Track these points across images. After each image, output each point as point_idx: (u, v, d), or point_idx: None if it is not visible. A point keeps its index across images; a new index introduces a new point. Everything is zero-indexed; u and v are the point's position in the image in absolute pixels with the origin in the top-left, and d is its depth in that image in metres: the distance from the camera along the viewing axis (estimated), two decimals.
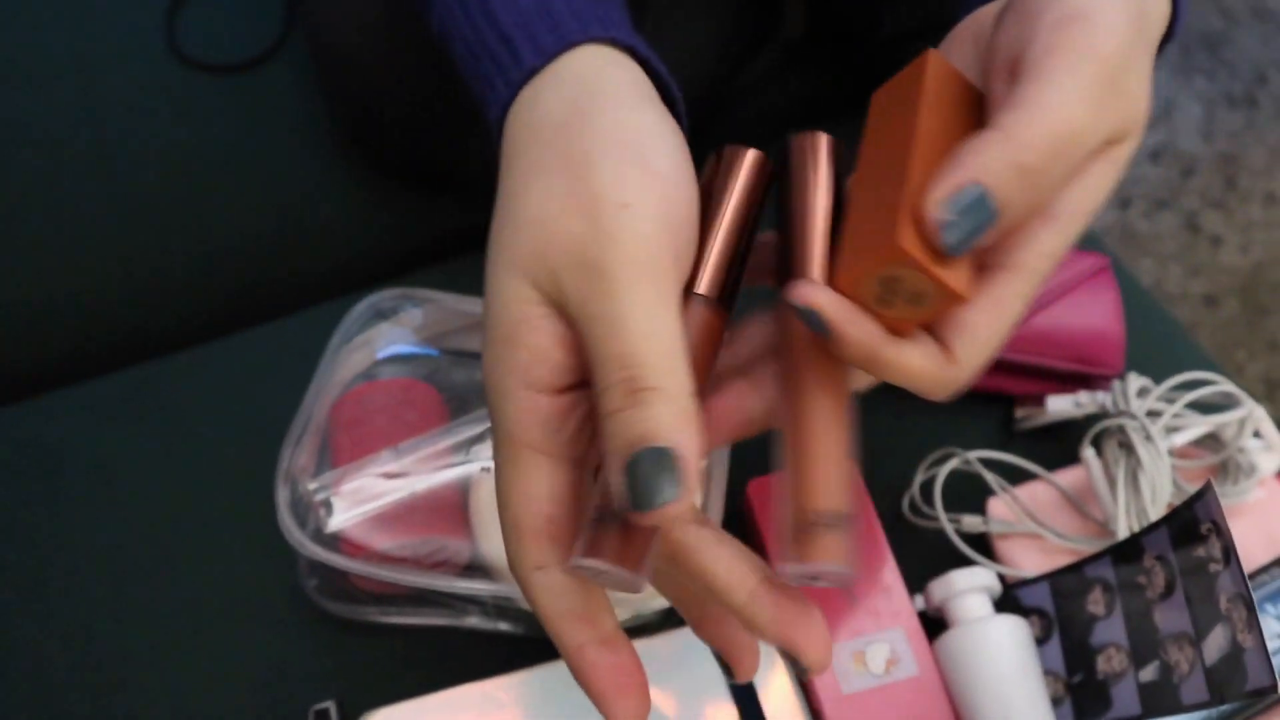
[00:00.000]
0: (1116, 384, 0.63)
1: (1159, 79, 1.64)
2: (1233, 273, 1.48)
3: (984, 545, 0.64)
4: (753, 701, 0.56)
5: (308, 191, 0.77)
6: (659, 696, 0.56)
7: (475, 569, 0.57)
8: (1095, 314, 0.66)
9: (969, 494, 0.65)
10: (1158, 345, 0.71)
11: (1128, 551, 0.55)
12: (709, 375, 0.38)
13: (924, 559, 0.63)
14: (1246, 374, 1.42)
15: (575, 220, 0.36)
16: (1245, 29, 1.68)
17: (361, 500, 0.57)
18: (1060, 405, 0.65)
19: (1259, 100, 1.62)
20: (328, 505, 0.57)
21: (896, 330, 0.35)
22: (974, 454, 0.64)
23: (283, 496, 0.57)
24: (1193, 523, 0.51)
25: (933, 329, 0.36)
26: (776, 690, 0.57)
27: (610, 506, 0.35)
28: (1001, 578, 0.62)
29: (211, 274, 0.76)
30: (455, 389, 0.63)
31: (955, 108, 0.36)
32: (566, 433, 0.36)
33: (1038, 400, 0.66)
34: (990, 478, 0.63)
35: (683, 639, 0.57)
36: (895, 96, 0.37)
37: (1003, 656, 0.56)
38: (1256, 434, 0.65)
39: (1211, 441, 0.64)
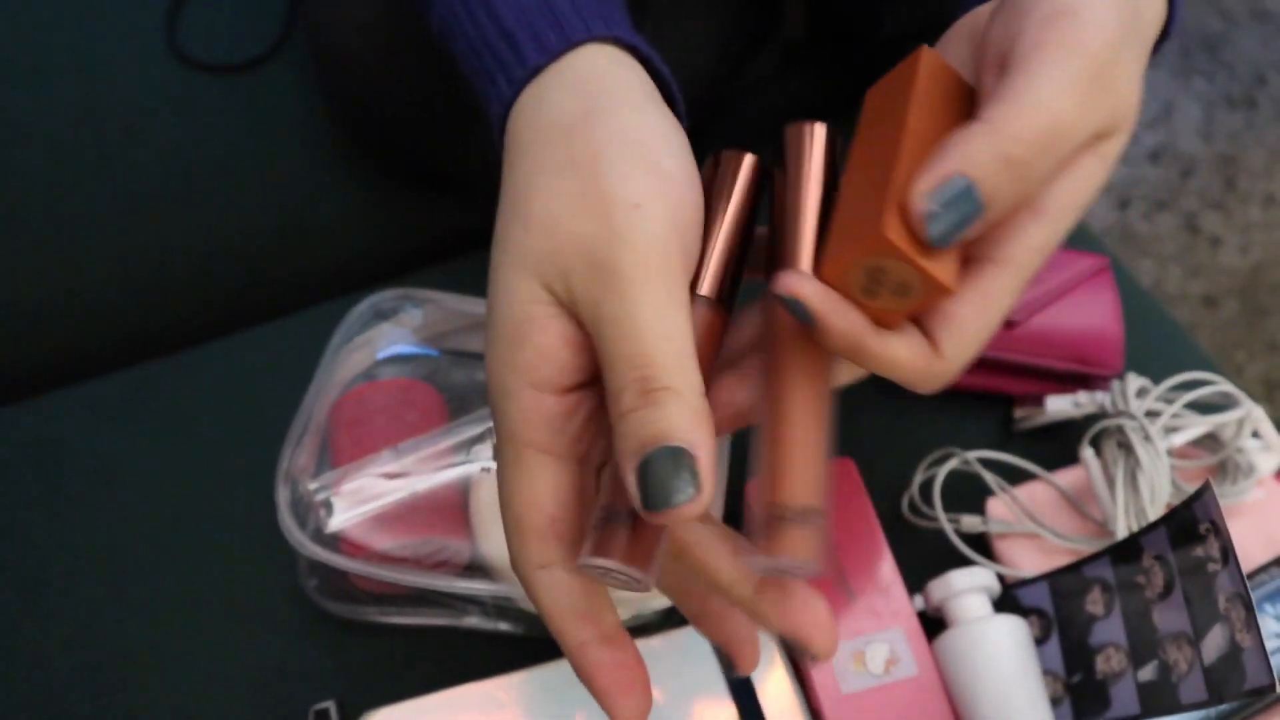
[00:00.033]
0: (1115, 384, 0.64)
1: (1159, 80, 1.64)
2: (1232, 273, 1.48)
3: (983, 545, 0.64)
4: (752, 701, 0.56)
5: (308, 191, 0.77)
6: (659, 696, 0.56)
7: (475, 569, 0.57)
8: (1094, 314, 0.66)
9: (968, 494, 0.65)
10: (1157, 346, 0.71)
11: (1126, 551, 0.55)
12: (709, 375, 0.38)
13: (923, 559, 0.63)
14: (1246, 375, 1.42)
15: (587, 221, 0.36)
16: (1244, 30, 1.68)
17: (361, 500, 0.57)
18: (1059, 405, 0.65)
19: (1258, 101, 1.62)
20: (328, 505, 0.57)
21: (884, 322, 0.35)
22: (973, 454, 0.64)
23: (283, 496, 0.57)
24: (1191, 523, 0.51)
25: (920, 322, 0.36)
26: (775, 690, 0.57)
27: (617, 506, 0.35)
28: (1001, 578, 0.62)
29: (212, 274, 0.76)
30: (455, 389, 0.63)
31: (947, 103, 0.36)
32: (570, 432, 0.37)
33: (1037, 400, 0.66)
34: (989, 478, 0.64)
35: (682, 639, 0.57)
36: (888, 93, 0.38)
37: (1002, 656, 0.56)
38: (1255, 434, 0.66)
39: (1210, 442, 0.64)
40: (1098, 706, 0.54)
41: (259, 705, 0.60)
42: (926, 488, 0.65)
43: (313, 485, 0.58)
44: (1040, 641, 0.58)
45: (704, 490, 0.33)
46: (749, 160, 0.40)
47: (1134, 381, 0.63)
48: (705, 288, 0.38)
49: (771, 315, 0.37)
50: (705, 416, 0.34)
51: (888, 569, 0.60)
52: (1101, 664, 0.55)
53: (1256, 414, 0.63)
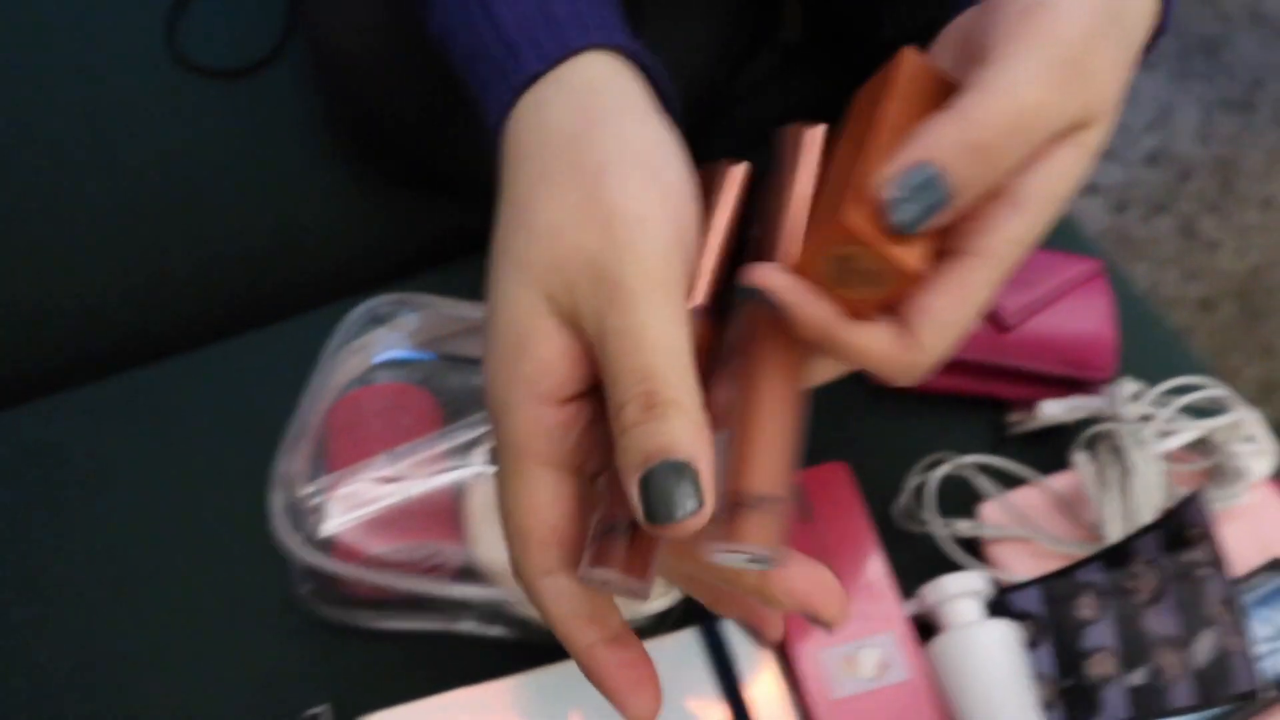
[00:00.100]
0: (1109, 389, 0.64)
1: (1157, 83, 1.64)
2: (1229, 277, 1.48)
3: (976, 549, 0.64)
4: (743, 706, 0.56)
5: (306, 195, 0.77)
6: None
7: (469, 574, 0.57)
8: (1088, 319, 0.67)
9: (961, 498, 0.65)
10: (1151, 350, 0.71)
11: (1118, 556, 0.55)
12: (702, 384, 0.38)
13: (916, 563, 0.63)
14: (1242, 378, 1.42)
15: (591, 233, 0.36)
16: (1243, 34, 1.68)
17: (356, 505, 0.57)
18: (1053, 410, 0.65)
19: (1256, 104, 1.63)
20: (321, 510, 0.57)
21: (859, 314, 0.36)
22: (966, 458, 0.64)
23: (277, 501, 0.57)
24: (1182, 528, 0.52)
25: (897, 313, 0.36)
26: (767, 695, 0.57)
27: (615, 517, 0.35)
28: (993, 582, 0.62)
29: (209, 278, 0.76)
30: (450, 394, 0.63)
31: (926, 100, 0.37)
32: (569, 443, 0.37)
33: (1030, 405, 0.66)
34: (983, 482, 0.64)
35: (675, 644, 0.57)
36: (870, 93, 0.38)
37: (993, 661, 0.56)
38: (1249, 438, 0.66)
39: (1203, 446, 0.64)
40: (1089, 711, 0.54)
41: (253, 710, 0.60)
42: (920, 492, 0.65)
43: (307, 490, 0.58)
44: (1032, 646, 0.58)
45: (706, 503, 0.33)
46: (739, 169, 0.40)
47: (1127, 386, 0.63)
48: (698, 298, 0.38)
49: (744, 309, 0.38)
50: (706, 430, 0.34)
51: (880, 573, 0.60)
52: (1093, 668, 0.55)
53: (1249, 418, 0.63)
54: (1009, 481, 0.66)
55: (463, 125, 0.71)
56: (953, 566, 0.63)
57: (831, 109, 0.85)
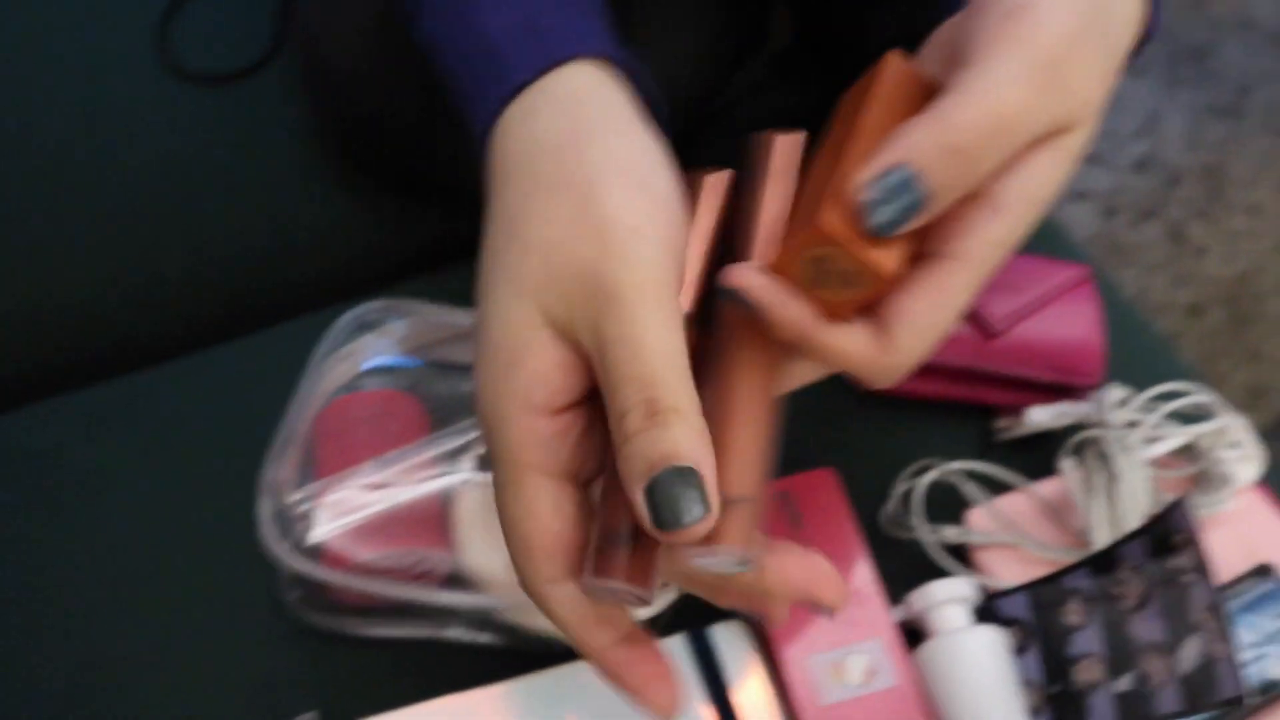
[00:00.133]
0: (1096, 395, 0.64)
1: (1145, 90, 1.65)
2: (1217, 282, 1.49)
3: (963, 556, 0.64)
4: (732, 713, 0.57)
5: (295, 202, 0.77)
6: (638, 712, 0.56)
7: (457, 580, 0.57)
8: (1076, 325, 0.67)
9: (949, 504, 0.65)
10: (1139, 356, 0.72)
11: (1104, 562, 0.56)
12: None
13: (903, 569, 0.63)
14: (1231, 383, 1.42)
15: (586, 245, 0.36)
16: (1230, 41, 1.69)
17: (344, 512, 0.57)
18: (1040, 416, 0.65)
19: (1243, 111, 1.63)
20: (309, 517, 0.57)
21: (836, 315, 0.36)
22: (954, 465, 0.64)
23: (265, 508, 0.57)
24: (1167, 534, 0.52)
25: (874, 315, 0.37)
26: (755, 701, 0.57)
27: (614, 526, 0.35)
28: (980, 588, 0.62)
29: (199, 284, 0.76)
30: (438, 400, 0.63)
31: (907, 103, 0.37)
32: (565, 451, 0.37)
33: (1017, 411, 0.67)
34: (970, 488, 0.64)
35: (664, 651, 0.57)
36: (855, 97, 0.38)
37: (981, 667, 0.56)
38: (1235, 444, 0.66)
39: (1189, 452, 0.64)
40: (1076, 717, 0.55)
41: (241, 717, 0.60)
42: (907, 498, 0.65)
43: (295, 497, 0.58)
44: (1019, 652, 0.58)
45: (712, 509, 0.34)
46: (719, 178, 0.40)
47: (1114, 392, 0.64)
48: (684, 305, 0.38)
49: (720, 309, 0.38)
50: (707, 435, 0.35)
51: (868, 579, 0.60)
52: (1079, 675, 0.55)
53: (1235, 424, 0.63)
54: (996, 487, 0.66)
55: (452, 132, 0.71)
56: (940, 573, 0.63)
57: (821, 116, 0.85)
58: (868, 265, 0.34)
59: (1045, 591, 0.58)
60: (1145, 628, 0.53)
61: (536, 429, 0.36)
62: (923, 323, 0.36)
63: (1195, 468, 0.63)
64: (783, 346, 0.38)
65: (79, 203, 0.76)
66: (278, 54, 0.81)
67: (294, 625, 0.62)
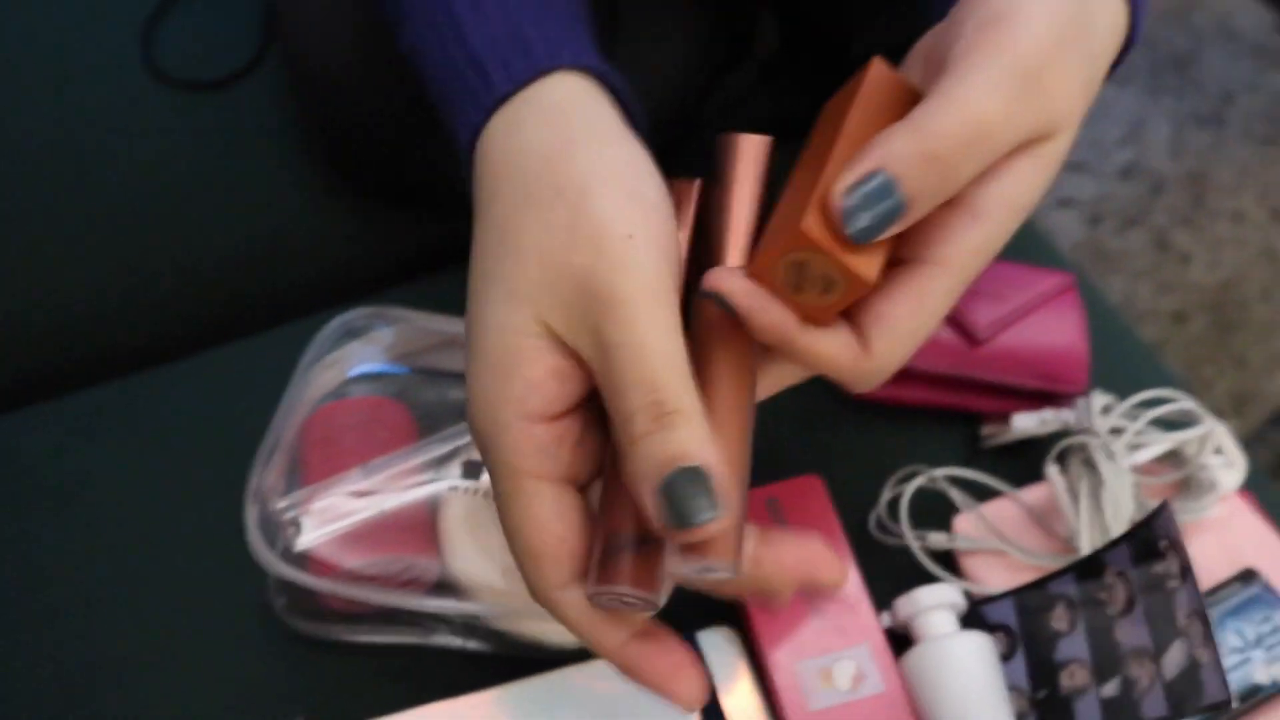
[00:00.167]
0: (1080, 402, 0.64)
1: (1129, 98, 1.66)
2: (1201, 289, 1.50)
3: (950, 562, 0.64)
4: (720, 718, 0.57)
5: (281, 209, 0.77)
6: (625, 718, 0.56)
7: (444, 587, 0.57)
8: (1060, 332, 0.67)
9: (935, 511, 0.65)
10: (1123, 363, 0.72)
11: (1090, 568, 0.56)
12: None
13: (890, 575, 0.63)
14: (1215, 390, 1.43)
15: (582, 252, 0.36)
16: (1213, 49, 1.70)
17: (330, 519, 0.57)
18: (1025, 423, 0.66)
19: (1227, 119, 1.64)
20: (296, 524, 0.57)
21: (816, 320, 0.36)
22: (940, 471, 0.64)
23: (252, 515, 0.57)
24: (1151, 540, 0.52)
25: (854, 321, 0.37)
26: (743, 707, 0.57)
27: (616, 533, 0.35)
28: (967, 594, 0.62)
29: (184, 291, 0.76)
30: (426, 407, 0.63)
31: (891, 110, 0.37)
32: (562, 457, 0.37)
33: (1003, 418, 0.67)
34: (956, 495, 0.64)
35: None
36: (838, 103, 0.39)
37: (967, 673, 0.56)
38: (1218, 451, 0.66)
39: (1174, 458, 0.65)
40: None
41: None
42: (894, 505, 0.66)
43: (282, 504, 0.58)
44: (1006, 658, 0.58)
45: (722, 507, 0.34)
46: (695, 185, 0.41)
47: (1099, 399, 0.64)
48: None
49: (699, 314, 0.38)
50: (711, 436, 0.35)
51: (855, 585, 0.60)
52: (1065, 680, 0.55)
53: (1218, 431, 0.64)
54: (982, 494, 0.66)
55: (438, 140, 0.71)
56: (927, 579, 0.63)
57: (806, 123, 0.86)
58: (847, 271, 0.34)
59: (1031, 597, 0.58)
60: (1130, 633, 0.53)
61: (534, 436, 0.37)
62: (903, 328, 0.36)
63: (1179, 474, 0.64)
64: (762, 349, 0.38)
65: (64, 209, 0.75)
66: (263, 60, 0.81)
67: (281, 631, 0.62)
